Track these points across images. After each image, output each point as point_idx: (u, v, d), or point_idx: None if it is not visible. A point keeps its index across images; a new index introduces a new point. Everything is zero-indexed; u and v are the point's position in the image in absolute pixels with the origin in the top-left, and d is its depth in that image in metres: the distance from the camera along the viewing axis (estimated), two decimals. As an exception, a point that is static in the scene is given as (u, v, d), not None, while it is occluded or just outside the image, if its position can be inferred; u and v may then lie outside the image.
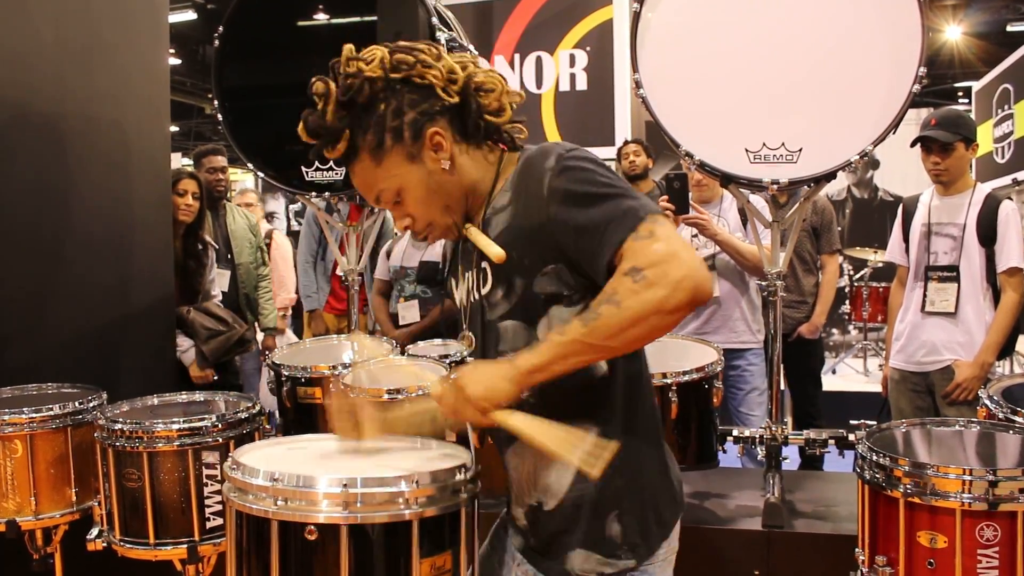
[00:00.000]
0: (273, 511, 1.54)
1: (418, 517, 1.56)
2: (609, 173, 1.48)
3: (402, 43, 1.56)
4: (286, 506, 1.54)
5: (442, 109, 1.54)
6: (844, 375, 8.43)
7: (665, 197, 3.42)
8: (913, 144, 3.67)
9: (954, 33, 12.10)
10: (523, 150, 1.60)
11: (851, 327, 8.95)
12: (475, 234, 1.58)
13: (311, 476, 1.54)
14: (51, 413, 2.64)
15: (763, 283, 3.04)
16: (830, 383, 6.75)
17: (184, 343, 3.83)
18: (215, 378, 3.87)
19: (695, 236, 3.72)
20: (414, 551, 1.56)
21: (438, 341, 3.60)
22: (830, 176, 2.79)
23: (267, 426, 2.63)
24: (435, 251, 4.49)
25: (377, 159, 1.54)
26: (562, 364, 1.42)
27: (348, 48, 1.55)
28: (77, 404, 2.70)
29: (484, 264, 1.59)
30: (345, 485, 1.53)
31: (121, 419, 2.44)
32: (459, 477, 1.62)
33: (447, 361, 3.01)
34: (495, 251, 1.53)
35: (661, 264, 1.34)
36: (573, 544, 1.58)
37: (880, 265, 7.90)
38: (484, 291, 1.60)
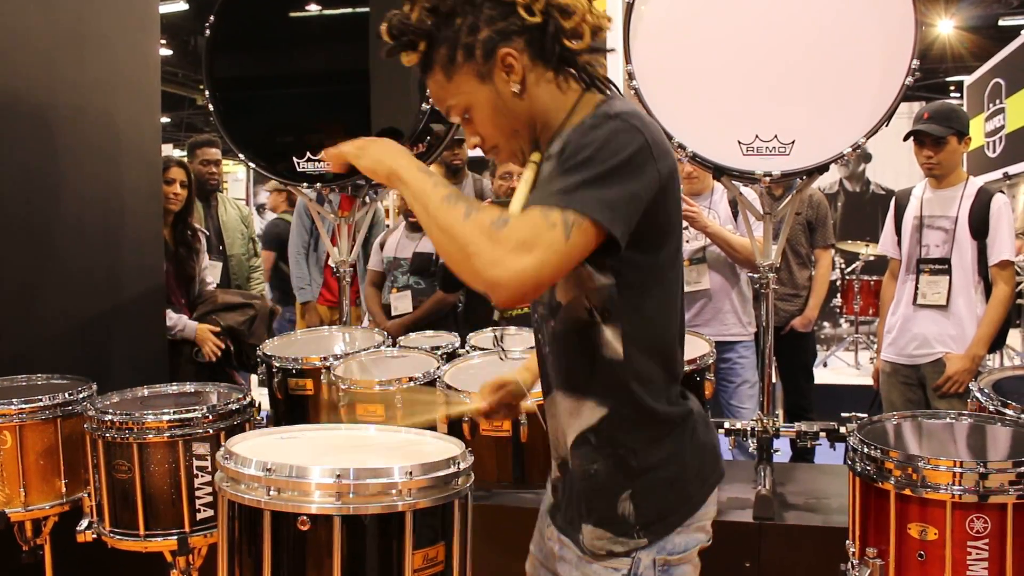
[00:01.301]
0: (265, 501, 1.54)
1: (411, 508, 1.56)
2: (611, 153, 1.38)
3: None
4: (279, 496, 1.53)
5: (520, 29, 1.48)
6: (835, 368, 8.46)
7: None
8: (906, 138, 3.67)
9: (946, 27, 12.11)
10: (608, 98, 1.54)
11: (843, 320, 8.98)
12: (524, 180, 1.54)
13: (304, 467, 1.54)
14: (40, 404, 2.62)
15: (755, 276, 3.04)
16: (821, 376, 6.76)
17: (173, 318, 3.81)
18: (223, 349, 3.88)
19: (685, 228, 3.72)
20: (407, 542, 1.56)
21: (430, 332, 3.60)
22: (823, 168, 2.79)
23: (258, 417, 2.62)
24: (429, 242, 4.49)
25: (448, 74, 1.50)
26: (412, 198, 1.42)
27: None
28: (67, 395, 2.68)
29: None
30: (338, 476, 1.52)
31: (111, 410, 2.43)
32: (452, 469, 1.62)
33: (439, 352, 3.01)
34: (514, 205, 1.48)
35: (518, 243, 1.32)
36: (585, 518, 1.55)
37: (872, 258, 7.92)
38: None
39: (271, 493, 1.54)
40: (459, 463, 1.64)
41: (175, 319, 3.81)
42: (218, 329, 3.85)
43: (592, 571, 1.54)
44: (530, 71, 1.50)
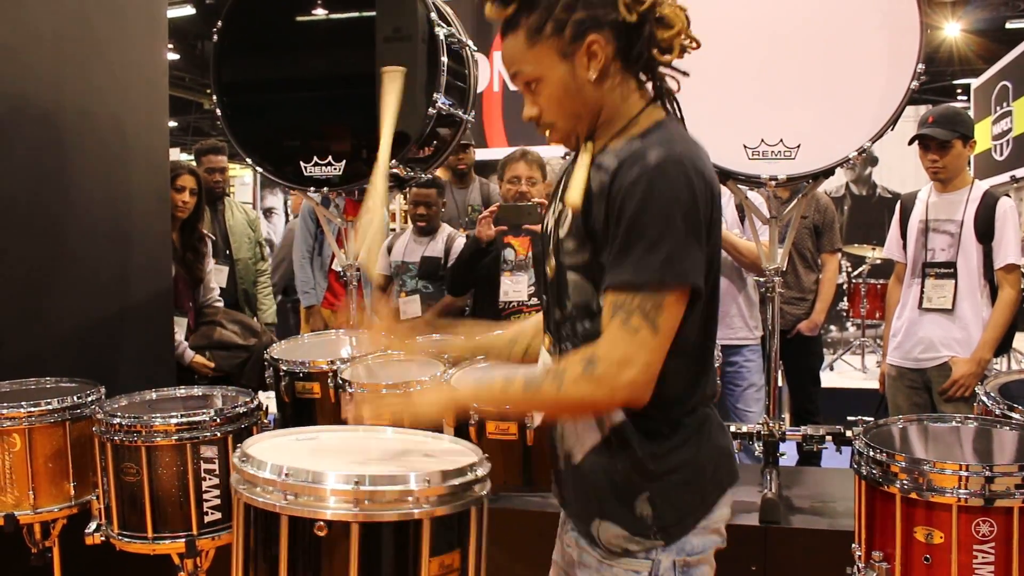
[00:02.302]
0: (281, 505, 1.54)
1: (428, 516, 1.55)
2: (677, 210, 1.42)
3: None
4: (296, 501, 1.53)
5: (614, 22, 1.49)
6: (842, 372, 8.44)
7: None
8: (911, 142, 3.67)
9: (953, 30, 12.09)
10: (665, 119, 1.56)
11: (849, 324, 8.96)
12: (581, 164, 1.54)
13: (321, 472, 1.54)
14: (49, 407, 2.63)
15: (761, 279, 3.04)
16: (828, 380, 6.75)
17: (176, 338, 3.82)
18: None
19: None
20: (423, 549, 1.55)
21: (437, 337, 3.59)
22: (828, 172, 2.79)
23: (265, 420, 2.63)
24: (437, 247, 4.50)
25: (532, 41, 1.50)
26: (496, 410, 1.50)
27: None
28: (75, 398, 2.69)
29: (563, 205, 1.57)
30: (356, 482, 1.52)
31: (119, 413, 2.44)
32: (470, 476, 1.62)
33: (445, 356, 3.01)
34: (572, 196, 1.51)
35: (617, 365, 1.40)
36: (601, 514, 1.57)
37: (878, 262, 7.90)
38: (561, 233, 1.58)
39: (288, 498, 1.54)
40: (476, 470, 1.64)
41: (177, 340, 3.83)
42: (212, 365, 3.86)
43: (612, 574, 1.56)
44: (611, 64, 1.52)
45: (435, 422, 1.54)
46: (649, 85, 1.60)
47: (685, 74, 1.60)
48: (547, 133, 1.61)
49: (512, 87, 1.69)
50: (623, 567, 1.55)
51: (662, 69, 1.57)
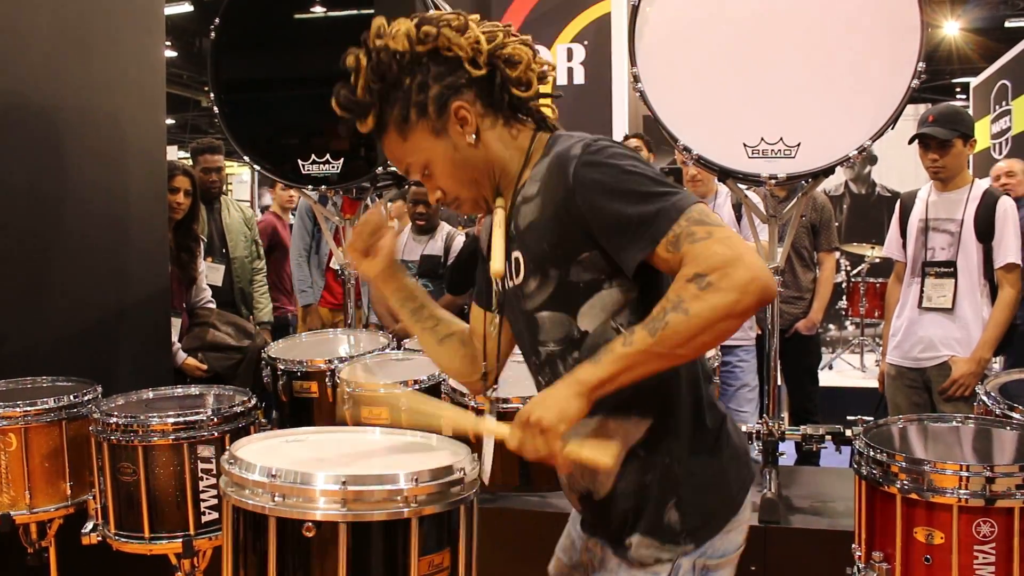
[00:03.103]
0: (270, 507, 1.53)
1: (417, 515, 1.55)
2: (636, 164, 1.43)
3: (430, 13, 1.55)
4: (284, 502, 1.53)
5: (468, 82, 1.52)
6: (841, 371, 8.44)
7: None
8: (911, 141, 3.66)
9: (952, 29, 12.09)
10: (555, 133, 1.58)
11: (848, 323, 8.95)
12: (497, 228, 1.56)
13: (309, 472, 1.53)
14: (46, 407, 2.63)
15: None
16: (827, 379, 6.75)
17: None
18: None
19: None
20: (412, 549, 1.55)
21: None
22: (828, 171, 2.78)
23: (263, 420, 2.62)
24: (436, 245, 4.49)
25: (403, 133, 1.53)
26: (629, 375, 1.39)
27: (378, 21, 1.55)
28: (72, 398, 2.69)
29: (516, 254, 1.56)
30: (344, 482, 1.52)
31: (116, 413, 2.43)
32: (458, 475, 1.61)
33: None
34: (495, 266, 1.53)
35: (725, 268, 1.31)
36: (632, 530, 1.55)
37: (877, 261, 7.90)
38: (517, 280, 1.57)
39: (276, 499, 1.53)
40: (465, 469, 1.63)
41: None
42: (205, 367, 3.84)
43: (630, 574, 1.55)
44: (482, 120, 1.54)
45: (578, 416, 1.41)
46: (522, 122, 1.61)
47: (558, 95, 1.62)
48: (456, 210, 1.63)
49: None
50: (643, 570, 1.54)
51: (534, 102, 1.58)
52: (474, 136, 1.53)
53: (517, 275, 1.57)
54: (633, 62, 2.80)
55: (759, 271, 1.31)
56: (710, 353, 2.81)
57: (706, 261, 1.32)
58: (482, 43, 1.51)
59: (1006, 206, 3.56)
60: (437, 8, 3.28)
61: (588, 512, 1.65)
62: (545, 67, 1.58)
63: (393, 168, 3.21)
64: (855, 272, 8.31)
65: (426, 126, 1.52)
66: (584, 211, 1.42)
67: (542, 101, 1.60)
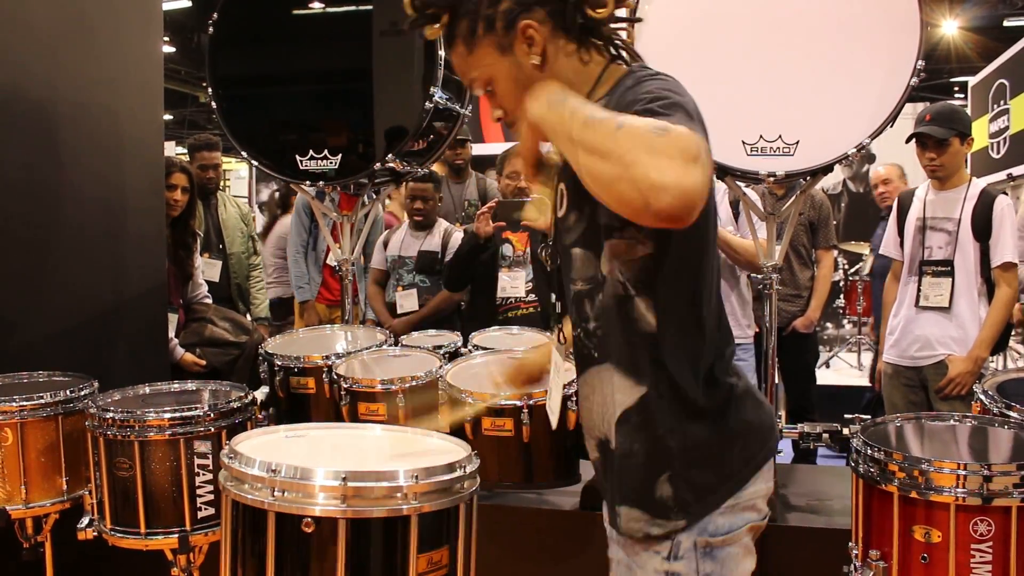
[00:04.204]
0: (269, 502, 1.53)
1: (416, 512, 1.55)
2: (676, 93, 1.39)
3: None
4: (283, 497, 1.53)
5: (532, 3, 1.47)
6: (838, 369, 8.44)
7: None
8: (908, 140, 3.66)
9: (950, 27, 12.09)
10: (631, 68, 1.53)
11: (845, 321, 8.96)
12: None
13: (309, 468, 1.53)
14: (42, 401, 2.62)
15: (758, 277, 3.03)
16: (824, 377, 6.75)
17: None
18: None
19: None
20: (411, 546, 1.55)
21: (432, 331, 3.59)
22: (827, 169, 2.78)
23: (260, 416, 2.62)
24: (434, 241, 4.49)
25: (469, 47, 1.50)
26: (558, 134, 1.34)
27: None
28: (68, 392, 2.68)
29: (561, 186, 1.55)
30: (344, 478, 1.51)
31: (112, 408, 2.43)
32: (458, 473, 1.61)
33: (441, 351, 3.01)
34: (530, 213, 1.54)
35: (687, 154, 1.19)
36: (621, 500, 1.54)
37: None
38: (560, 213, 1.57)
39: (275, 494, 1.53)
40: (465, 466, 1.63)
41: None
42: (203, 363, 3.84)
43: (635, 552, 1.53)
44: (551, 43, 1.49)
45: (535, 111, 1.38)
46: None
47: (638, 20, 1.58)
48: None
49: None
50: (643, 546, 1.52)
51: (608, 27, 1.53)
52: (539, 58, 1.48)
53: (561, 207, 1.56)
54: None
55: (700, 190, 1.19)
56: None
57: (682, 136, 1.22)
58: None
59: (1003, 205, 3.56)
60: None
61: (602, 463, 1.61)
62: None
63: (391, 164, 3.21)
64: (853, 270, 8.32)
65: (492, 42, 1.48)
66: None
67: (619, 28, 1.55)
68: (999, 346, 3.72)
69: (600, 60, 1.54)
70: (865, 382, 6.89)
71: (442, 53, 3.14)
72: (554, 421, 1.72)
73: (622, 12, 1.55)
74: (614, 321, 1.50)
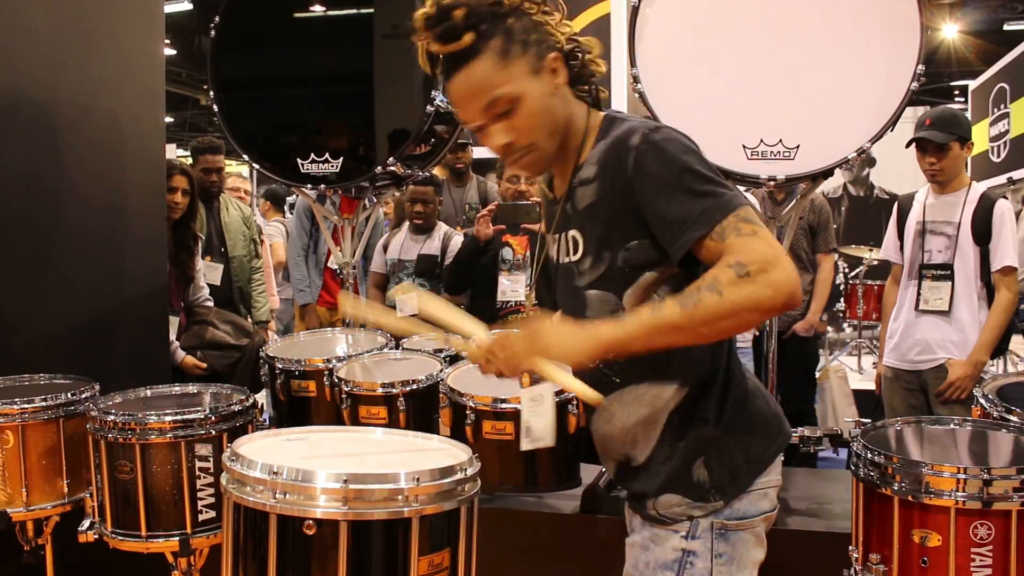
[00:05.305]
0: (271, 504, 1.53)
1: (417, 515, 1.55)
2: (693, 159, 1.51)
3: None
4: (285, 500, 1.53)
5: (559, 46, 1.61)
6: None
7: None
8: (908, 145, 3.66)
9: (951, 31, 12.10)
10: (609, 113, 1.66)
11: (846, 325, 8.96)
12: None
13: (310, 470, 1.54)
14: (43, 404, 2.62)
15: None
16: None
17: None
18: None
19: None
20: (413, 548, 1.56)
21: (433, 335, 3.59)
22: (827, 173, 2.79)
23: (260, 419, 2.62)
24: (434, 244, 4.49)
25: (503, 62, 1.55)
26: (646, 342, 1.46)
27: None
28: (69, 395, 2.68)
29: (572, 232, 1.64)
30: (345, 480, 1.52)
31: (113, 411, 2.43)
32: (459, 475, 1.62)
33: (442, 355, 3.01)
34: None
35: (765, 264, 1.39)
36: (662, 489, 1.63)
37: (875, 263, 7.90)
38: (574, 258, 1.65)
39: (277, 496, 1.53)
40: (466, 469, 1.64)
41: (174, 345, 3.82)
42: (204, 366, 3.84)
43: (654, 533, 1.64)
44: (563, 81, 1.62)
45: (578, 361, 1.49)
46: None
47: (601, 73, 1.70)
48: (516, 162, 1.63)
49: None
50: (665, 528, 1.63)
51: (595, 80, 1.69)
52: (556, 92, 1.60)
53: (574, 253, 1.65)
54: (633, 63, 2.81)
55: (794, 277, 1.41)
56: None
57: (749, 254, 1.41)
58: (568, 24, 1.64)
59: (1003, 209, 3.56)
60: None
61: (623, 478, 1.73)
62: (601, 66, 1.69)
63: (392, 168, 3.22)
64: (853, 274, 8.32)
65: (526, 63, 1.56)
66: (640, 201, 1.50)
67: (599, 89, 1.71)
68: (999, 350, 3.72)
69: (582, 112, 1.67)
70: (866, 386, 6.88)
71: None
72: (550, 438, 1.72)
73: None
74: None
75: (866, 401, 4.89)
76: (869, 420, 2.37)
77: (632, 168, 1.50)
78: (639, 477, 1.68)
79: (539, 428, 1.70)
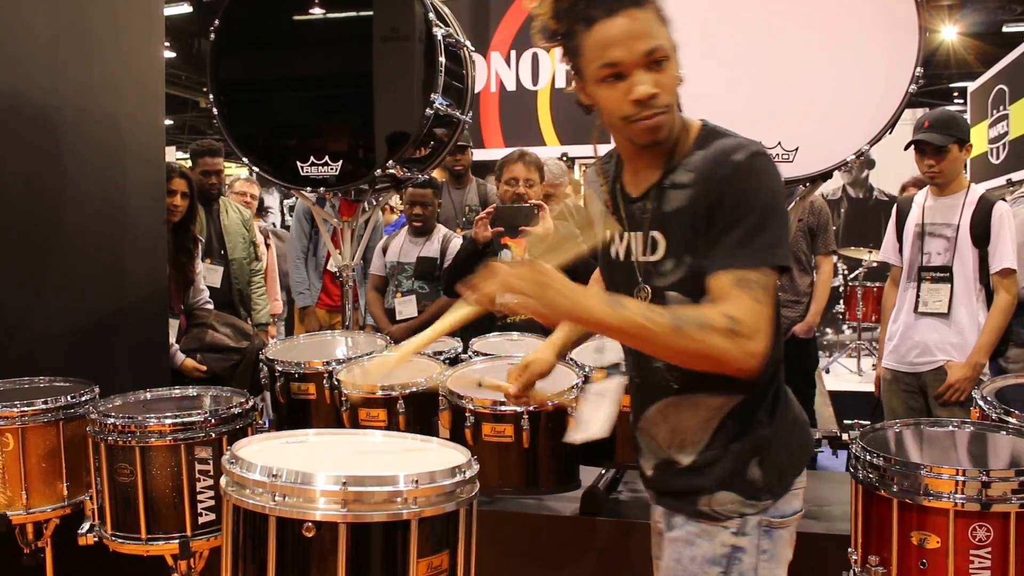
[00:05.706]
0: (270, 507, 1.54)
1: (416, 517, 1.55)
2: (777, 195, 1.57)
3: None
4: (284, 502, 1.53)
5: None
6: (838, 375, 8.43)
7: None
8: (907, 147, 3.67)
9: (950, 33, 12.10)
10: (708, 126, 1.68)
11: (845, 327, 8.95)
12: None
13: (310, 473, 1.54)
14: (43, 407, 2.62)
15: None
16: (824, 382, 6.74)
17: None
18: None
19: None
20: (412, 550, 1.56)
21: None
22: (826, 175, 2.79)
23: (260, 421, 2.62)
24: (433, 247, 4.49)
25: (661, 21, 1.59)
26: (620, 335, 1.54)
27: None
28: (69, 398, 2.68)
29: (654, 233, 1.66)
30: (344, 483, 1.52)
31: (113, 413, 2.43)
32: (458, 478, 1.62)
33: (441, 358, 3.01)
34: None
35: (752, 332, 1.47)
36: (714, 487, 1.67)
37: (875, 265, 7.90)
38: (653, 258, 1.68)
39: (276, 499, 1.54)
40: (464, 472, 1.64)
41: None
42: (204, 368, 3.85)
43: (702, 528, 1.68)
44: None
45: (556, 317, 1.56)
46: None
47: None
48: (650, 118, 1.60)
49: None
50: (713, 524, 1.67)
51: None
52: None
53: (652, 252, 1.67)
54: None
55: (764, 353, 1.48)
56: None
57: (745, 314, 1.48)
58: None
59: (1002, 211, 3.57)
60: (437, 12, 3.29)
61: (664, 478, 1.75)
62: None
63: (392, 170, 3.22)
64: (852, 276, 8.32)
65: (671, 35, 1.61)
66: (723, 212, 1.55)
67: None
68: (997, 352, 3.72)
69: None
70: (866, 388, 6.88)
71: (443, 59, 3.15)
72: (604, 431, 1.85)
73: None
74: None
75: (865, 403, 4.89)
76: (868, 422, 2.37)
77: (727, 180, 1.55)
78: (685, 476, 1.71)
79: (597, 421, 1.80)
